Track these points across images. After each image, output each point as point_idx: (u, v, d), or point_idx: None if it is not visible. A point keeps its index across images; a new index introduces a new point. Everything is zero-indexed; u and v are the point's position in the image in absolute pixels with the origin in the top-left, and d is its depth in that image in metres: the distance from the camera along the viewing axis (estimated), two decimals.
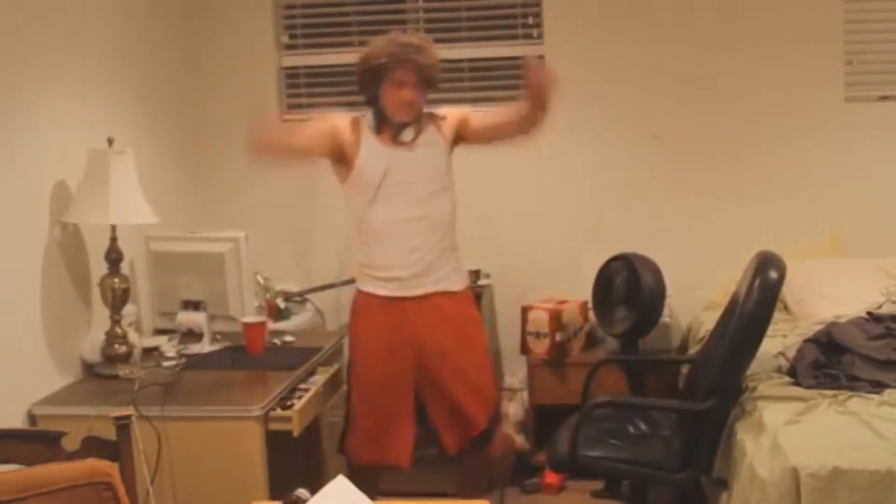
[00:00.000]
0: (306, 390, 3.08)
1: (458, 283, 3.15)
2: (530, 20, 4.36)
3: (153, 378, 2.96)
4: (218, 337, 3.43)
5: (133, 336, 3.21)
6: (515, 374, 4.23)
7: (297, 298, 4.19)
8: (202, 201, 4.36)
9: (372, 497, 2.01)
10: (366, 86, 3.05)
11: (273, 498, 2.46)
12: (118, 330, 3.15)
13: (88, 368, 3.17)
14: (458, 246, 3.16)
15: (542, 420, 3.93)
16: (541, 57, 4.31)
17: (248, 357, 3.28)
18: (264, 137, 3.07)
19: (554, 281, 4.25)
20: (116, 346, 3.13)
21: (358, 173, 3.02)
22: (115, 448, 2.17)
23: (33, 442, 2.14)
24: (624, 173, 4.33)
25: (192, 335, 3.35)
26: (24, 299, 2.92)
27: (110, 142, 3.13)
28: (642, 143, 4.31)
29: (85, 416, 2.68)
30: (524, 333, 4.04)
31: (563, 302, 4.08)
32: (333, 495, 1.97)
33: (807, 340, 3.26)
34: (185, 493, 2.74)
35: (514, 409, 4.08)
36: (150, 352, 3.30)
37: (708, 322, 3.69)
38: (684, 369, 3.67)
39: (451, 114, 3.16)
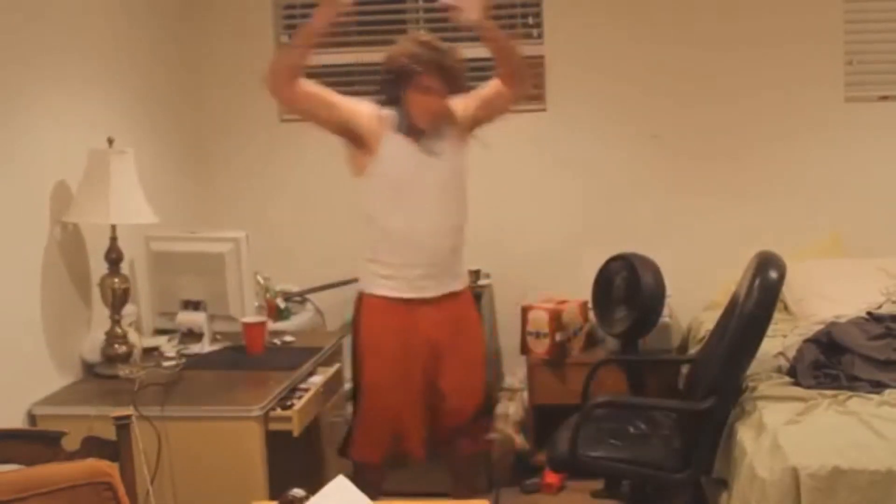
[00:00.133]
0: (306, 390, 3.08)
1: (461, 283, 3.16)
2: (530, 20, 4.36)
3: (153, 378, 2.96)
4: (218, 337, 3.43)
5: (133, 336, 3.21)
6: (515, 374, 4.23)
7: (297, 298, 4.19)
8: (202, 201, 4.36)
9: (373, 497, 2.01)
10: (389, 87, 2.98)
11: (273, 498, 2.46)
12: (118, 330, 3.15)
13: (88, 368, 3.17)
14: (463, 246, 3.17)
15: (542, 420, 3.93)
16: (541, 57, 4.33)
17: (248, 357, 3.27)
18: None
19: (554, 281, 4.25)
20: (116, 346, 3.13)
21: (379, 166, 2.95)
22: (115, 448, 2.17)
23: (33, 442, 2.14)
24: (624, 173, 4.34)
25: (192, 335, 3.35)
26: (24, 299, 2.92)
27: (110, 142, 3.13)
28: (642, 143, 4.32)
29: (85, 416, 2.68)
30: (524, 333, 4.04)
31: (563, 302, 4.09)
32: (333, 495, 1.97)
33: (807, 340, 3.26)
34: (185, 493, 2.74)
35: (514, 409, 4.07)
36: (150, 352, 3.29)
37: (708, 322, 3.69)
38: (684, 369, 3.67)
39: (456, 107, 3.12)
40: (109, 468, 2.05)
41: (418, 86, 2.92)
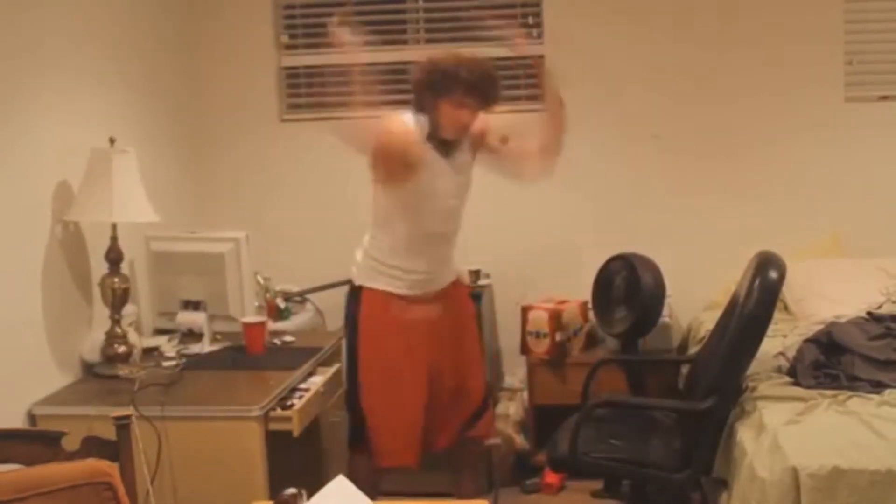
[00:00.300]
0: (306, 390, 3.08)
1: (455, 275, 3.24)
2: (530, 20, 4.35)
3: (153, 378, 2.96)
4: (218, 337, 3.43)
5: (133, 336, 3.21)
6: (515, 374, 4.23)
7: (297, 298, 4.19)
8: (202, 201, 4.36)
9: (372, 497, 2.01)
10: (423, 92, 2.99)
11: (273, 498, 2.46)
12: (118, 330, 3.15)
13: (88, 368, 3.17)
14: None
15: (542, 420, 3.93)
16: (540, 57, 4.32)
17: (248, 357, 3.27)
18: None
19: (554, 281, 4.25)
20: (116, 345, 3.13)
21: (415, 184, 2.98)
22: (115, 448, 2.17)
23: (33, 442, 2.14)
24: (624, 173, 4.34)
25: (192, 335, 3.35)
26: (24, 299, 2.92)
27: (112, 141, 3.13)
28: (643, 143, 4.31)
29: (85, 416, 2.69)
30: (524, 333, 4.04)
31: (563, 302, 4.09)
32: (333, 495, 1.98)
33: (807, 340, 3.26)
34: (185, 493, 2.74)
35: (514, 409, 4.08)
36: (150, 352, 3.29)
37: (708, 322, 3.69)
38: (684, 369, 3.67)
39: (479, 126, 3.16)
40: (109, 468, 2.05)
41: (454, 99, 2.93)
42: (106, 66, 3.48)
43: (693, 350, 3.76)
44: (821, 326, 3.36)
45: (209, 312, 3.36)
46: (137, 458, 2.39)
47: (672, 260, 3.98)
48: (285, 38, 4.46)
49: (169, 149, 4.04)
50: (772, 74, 4.21)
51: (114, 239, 3.15)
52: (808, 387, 2.99)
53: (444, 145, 3.02)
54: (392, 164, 2.92)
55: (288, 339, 3.54)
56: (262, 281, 3.92)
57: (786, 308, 3.93)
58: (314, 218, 4.41)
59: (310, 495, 1.98)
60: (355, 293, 3.14)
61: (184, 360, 3.16)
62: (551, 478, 3.91)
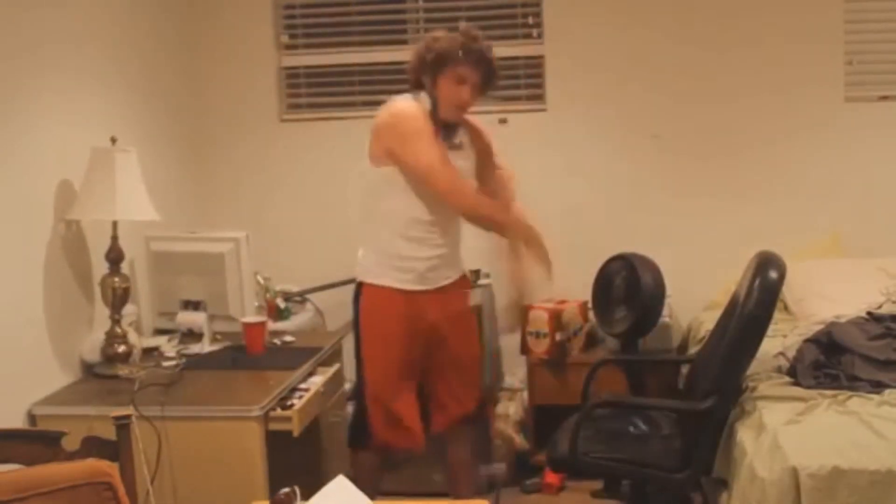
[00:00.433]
0: (306, 390, 3.08)
1: (459, 272, 3.22)
2: (530, 20, 4.36)
3: (153, 378, 2.96)
4: (218, 337, 3.43)
5: (133, 336, 3.21)
6: (515, 374, 4.23)
7: (297, 298, 4.19)
8: (202, 201, 4.36)
9: (372, 497, 2.01)
10: (422, 70, 2.98)
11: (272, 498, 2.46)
12: (118, 330, 3.15)
13: (88, 368, 3.17)
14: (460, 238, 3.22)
15: (542, 420, 3.93)
16: (541, 57, 4.33)
17: (248, 357, 3.27)
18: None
19: (554, 281, 4.24)
20: (116, 345, 3.13)
21: None
22: (115, 448, 2.17)
23: (33, 442, 2.14)
24: (624, 173, 4.34)
25: (192, 335, 3.35)
26: (25, 298, 2.92)
27: (113, 141, 3.13)
28: (642, 142, 4.32)
29: (85, 416, 2.69)
30: (524, 333, 4.04)
31: (563, 302, 4.09)
32: (333, 495, 1.98)
33: (807, 340, 3.26)
34: (185, 493, 2.74)
35: (514, 409, 4.08)
36: (150, 352, 3.29)
37: (708, 322, 3.69)
38: (684, 369, 3.67)
39: (481, 130, 3.18)
40: (109, 468, 2.05)
41: (454, 74, 2.93)
42: (106, 66, 3.48)
43: (693, 350, 3.76)
44: (821, 326, 3.35)
45: (209, 312, 3.36)
46: (137, 458, 2.39)
47: (672, 260, 3.98)
48: (285, 38, 4.46)
49: (169, 149, 4.04)
50: (772, 74, 4.21)
51: (114, 239, 3.15)
52: (808, 387, 2.99)
53: (444, 129, 3.00)
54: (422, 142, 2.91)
55: (288, 339, 3.54)
56: (262, 281, 3.92)
57: (786, 308, 3.93)
58: (314, 218, 4.41)
59: (310, 495, 1.98)
60: (357, 289, 3.12)
61: (184, 360, 3.16)
62: (551, 478, 3.91)
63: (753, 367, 3.03)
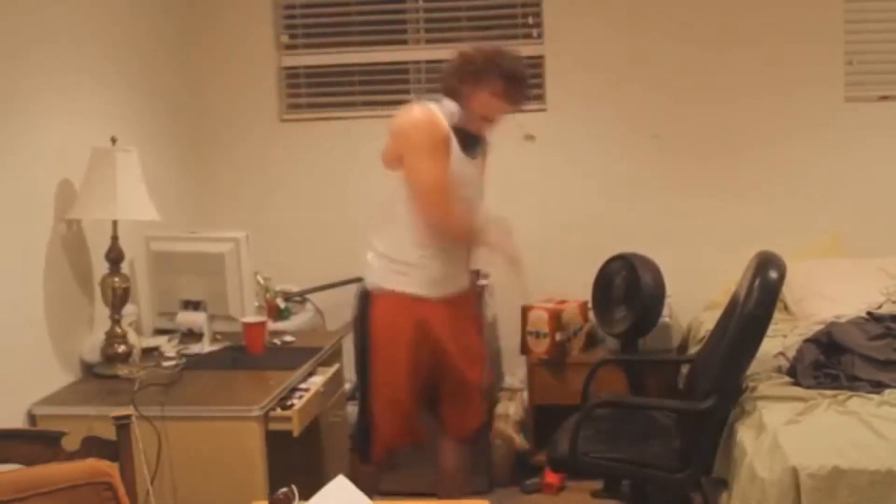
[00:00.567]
0: (306, 390, 3.08)
1: (470, 281, 3.22)
2: (530, 20, 4.36)
3: (153, 378, 2.96)
4: (218, 337, 3.43)
5: (133, 336, 3.21)
6: (515, 374, 4.23)
7: (297, 298, 4.19)
8: (202, 201, 4.36)
9: (371, 497, 2.01)
10: (462, 77, 2.93)
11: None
12: (118, 330, 3.15)
13: (88, 368, 3.17)
14: None
15: (542, 420, 3.93)
16: (541, 57, 4.33)
17: (248, 357, 3.27)
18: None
19: (554, 281, 4.25)
20: (116, 345, 3.13)
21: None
22: (115, 448, 2.17)
23: (33, 442, 2.14)
24: (624, 173, 4.34)
25: (192, 335, 3.35)
26: (25, 299, 2.92)
27: (113, 141, 3.13)
28: (642, 142, 4.32)
29: (85, 416, 2.69)
30: (524, 333, 4.04)
31: (563, 302, 4.09)
32: (333, 495, 1.98)
33: (807, 340, 3.26)
34: (185, 493, 2.74)
35: (514, 409, 4.08)
36: (149, 352, 3.29)
37: (708, 322, 3.69)
38: (684, 369, 3.67)
39: (488, 142, 3.17)
40: (109, 468, 2.05)
41: (494, 87, 2.91)
42: (106, 66, 3.48)
43: (693, 350, 3.76)
44: (821, 326, 3.35)
45: (209, 312, 3.36)
46: (137, 458, 2.39)
47: (672, 260, 3.98)
48: (285, 38, 4.46)
49: (169, 149, 4.04)
50: (772, 74, 4.21)
51: (114, 239, 3.15)
52: (808, 387, 2.99)
53: (467, 138, 2.98)
54: (435, 149, 2.90)
55: (288, 339, 3.54)
56: (262, 281, 3.92)
57: (786, 308, 3.93)
58: (314, 218, 4.41)
59: (310, 495, 1.98)
60: (367, 297, 3.04)
61: (184, 360, 3.16)
62: (551, 478, 3.91)
63: (753, 367, 3.03)
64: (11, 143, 2.87)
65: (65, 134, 3.14)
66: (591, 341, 4.15)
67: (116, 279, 3.14)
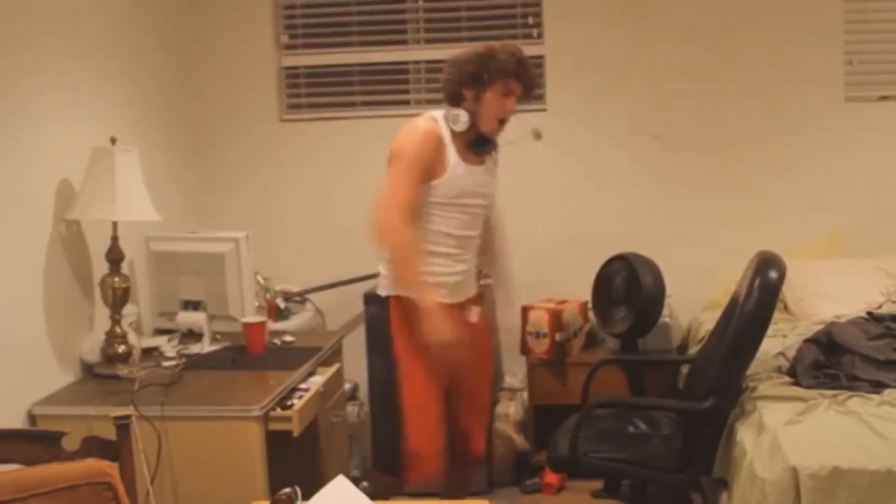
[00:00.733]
0: (306, 390, 3.08)
1: (476, 288, 3.17)
2: (530, 20, 4.36)
3: (153, 378, 2.96)
4: (218, 337, 3.43)
5: (133, 336, 3.21)
6: (515, 374, 4.23)
7: (297, 298, 4.20)
8: (203, 201, 4.37)
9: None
10: (467, 84, 2.89)
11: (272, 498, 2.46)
12: (118, 330, 3.15)
13: (88, 368, 3.17)
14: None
15: (542, 420, 3.93)
16: (541, 57, 4.33)
17: (248, 357, 3.28)
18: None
19: (554, 281, 4.25)
20: (116, 345, 3.13)
21: (439, 186, 2.90)
22: (115, 448, 2.17)
23: (33, 442, 2.14)
24: (624, 173, 4.34)
25: (192, 335, 3.35)
26: (25, 299, 2.92)
27: (113, 141, 3.13)
28: (642, 142, 4.32)
29: (85, 416, 2.69)
30: (524, 333, 4.04)
31: (563, 302, 4.09)
32: (333, 495, 1.98)
33: (807, 340, 3.26)
34: (185, 493, 2.74)
35: (514, 409, 4.08)
36: (150, 352, 3.29)
37: (708, 322, 3.69)
38: (684, 369, 3.67)
39: (498, 147, 3.14)
40: (109, 468, 2.05)
41: (504, 87, 2.89)
42: (106, 66, 3.48)
43: (693, 350, 3.77)
44: (821, 326, 3.35)
45: (209, 312, 3.36)
46: (137, 458, 2.39)
47: (672, 260, 3.99)
48: (285, 38, 4.46)
49: (169, 149, 4.04)
50: (772, 74, 4.21)
51: (114, 239, 3.15)
52: (808, 387, 2.99)
53: (479, 142, 2.95)
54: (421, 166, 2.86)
55: (288, 339, 3.55)
56: (262, 281, 3.92)
57: (786, 308, 3.93)
58: (314, 218, 4.41)
59: (310, 495, 1.98)
60: (383, 304, 2.98)
61: (184, 360, 3.16)
62: (551, 478, 3.91)
63: (753, 367, 3.03)
64: (11, 143, 2.86)
65: (65, 134, 3.14)
66: (591, 341, 4.15)
67: (116, 279, 3.14)
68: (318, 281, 4.22)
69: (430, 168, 2.89)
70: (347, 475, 2.11)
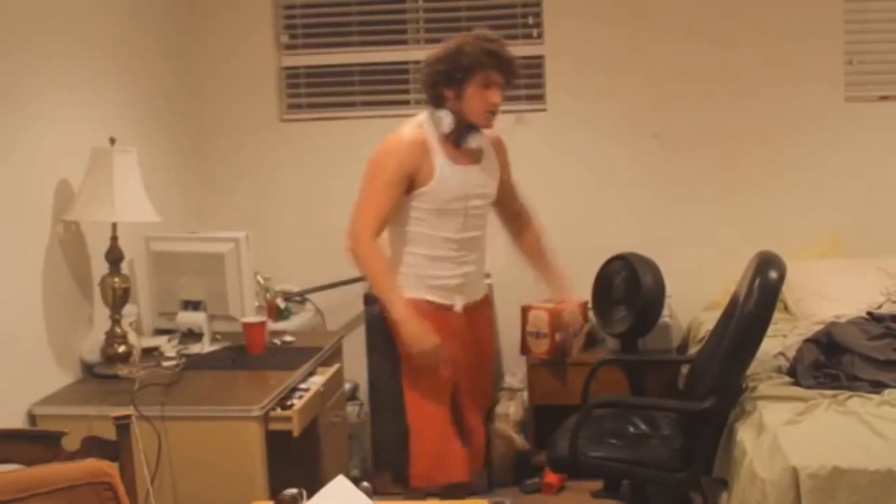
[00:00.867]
0: (306, 390, 3.08)
1: (484, 290, 3.14)
2: (530, 20, 4.36)
3: (153, 378, 2.96)
4: (218, 337, 3.43)
5: (133, 336, 3.21)
6: (515, 374, 4.23)
7: (297, 298, 4.20)
8: (202, 201, 4.36)
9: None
10: (444, 83, 2.83)
11: (273, 498, 2.46)
12: (118, 330, 3.15)
13: (88, 368, 3.17)
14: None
15: (542, 420, 3.93)
16: (541, 57, 4.33)
17: (248, 357, 3.28)
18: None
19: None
20: (116, 345, 3.13)
21: (430, 192, 2.86)
22: (115, 448, 2.17)
23: (33, 442, 2.14)
24: (624, 173, 4.34)
25: (192, 335, 3.35)
26: (24, 299, 2.92)
27: (112, 141, 3.13)
28: (642, 143, 4.32)
29: (85, 416, 2.69)
30: (524, 333, 4.04)
31: (563, 302, 4.07)
32: (333, 495, 1.98)
33: (807, 340, 3.26)
34: (185, 493, 2.74)
35: (514, 409, 4.08)
36: (150, 352, 3.29)
37: (708, 322, 3.69)
38: (684, 369, 3.67)
39: (502, 142, 3.10)
40: (109, 468, 2.05)
41: (483, 79, 2.81)
42: (106, 66, 3.48)
43: (693, 350, 3.77)
44: (821, 326, 3.36)
45: (209, 312, 3.36)
46: (137, 458, 2.39)
47: (672, 260, 3.99)
48: (285, 38, 4.46)
49: (169, 149, 4.04)
50: (772, 74, 4.21)
51: (114, 239, 3.15)
52: (808, 387, 3.00)
53: (460, 137, 2.89)
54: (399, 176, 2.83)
55: (288, 339, 3.54)
56: (262, 281, 3.92)
57: (786, 308, 3.93)
58: (314, 218, 4.41)
59: (310, 495, 1.98)
60: (383, 308, 2.90)
61: (184, 360, 3.16)
62: (551, 478, 3.91)
63: (753, 367, 3.03)
64: (10, 143, 2.86)
65: (64, 134, 3.14)
66: (591, 341, 4.15)
67: (116, 279, 3.14)
68: (318, 281, 4.22)
69: (413, 177, 2.84)
70: (347, 475, 2.11)
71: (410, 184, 2.85)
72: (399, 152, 2.85)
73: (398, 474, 3.08)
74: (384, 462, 3.43)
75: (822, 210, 4.23)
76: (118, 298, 3.14)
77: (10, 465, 2.09)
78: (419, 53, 4.39)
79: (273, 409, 2.85)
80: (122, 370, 3.05)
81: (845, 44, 4.19)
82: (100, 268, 3.19)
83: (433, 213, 2.89)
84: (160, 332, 3.49)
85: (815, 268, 3.98)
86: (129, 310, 3.23)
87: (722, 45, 4.23)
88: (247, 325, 3.30)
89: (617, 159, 4.34)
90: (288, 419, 2.85)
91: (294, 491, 2.00)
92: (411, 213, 2.90)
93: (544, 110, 4.35)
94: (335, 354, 3.61)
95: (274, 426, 2.83)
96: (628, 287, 3.83)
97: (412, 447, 2.91)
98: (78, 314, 3.21)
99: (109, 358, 3.12)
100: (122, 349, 3.13)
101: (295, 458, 3.01)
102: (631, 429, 3.20)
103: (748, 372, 3.03)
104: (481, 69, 2.81)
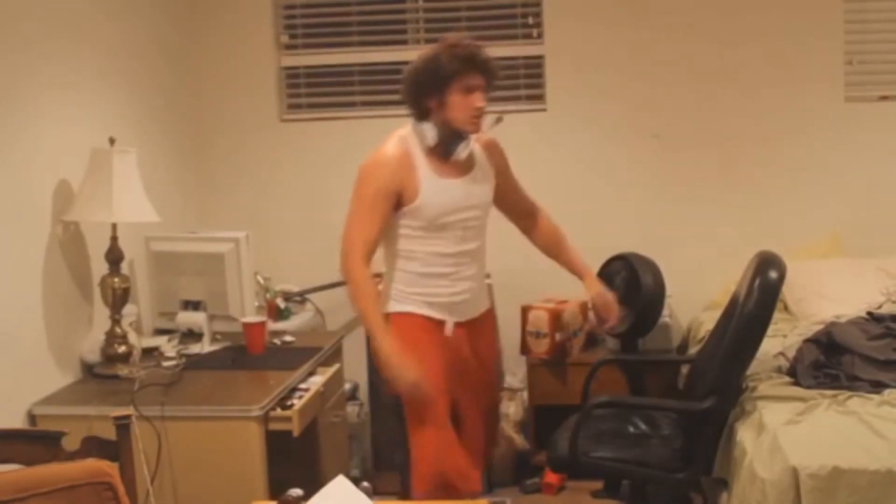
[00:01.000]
0: (306, 390, 3.08)
1: (486, 304, 3.07)
2: (530, 20, 4.36)
3: (153, 378, 2.96)
4: (218, 337, 3.43)
5: (133, 336, 3.21)
6: (515, 374, 4.23)
7: (297, 298, 4.20)
8: (203, 201, 4.36)
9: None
10: (423, 94, 2.78)
11: (273, 498, 2.46)
12: (118, 330, 3.15)
13: (88, 368, 3.17)
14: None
15: (542, 420, 3.93)
16: (541, 57, 4.33)
17: (248, 357, 3.28)
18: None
19: (554, 281, 4.24)
20: (116, 345, 3.13)
21: (416, 210, 2.79)
22: (115, 448, 2.17)
23: (33, 442, 2.14)
24: (624, 173, 4.34)
25: (192, 335, 3.35)
26: (24, 299, 2.92)
27: (112, 141, 3.13)
28: (642, 143, 4.32)
29: (85, 416, 2.69)
30: (524, 333, 4.04)
31: (563, 302, 4.08)
32: (333, 495, 1.98)
33: (807, 340, 3.26)
34: (185, 493, 2.74)
35: (514, 409, 4.08)
36: (150, 352, 3.29)
37: (708, 322, 3.69)
38: (684, 369, 3.67)
39: (496, 144, 3.03)
40: (109, 468, 2.05)
41: (462, 85, 2.75)
42: (106, 66, 3.48)
43: (693, 350, 3.77)
44: (821, 326, 3.36)
45: (209, 312, 3.36)
46: (137, 458, 2.39)
47: (672, 260, 3.99)
48: (285, 38, 4.46)
49: (169, 149, 4.04)
50: (772, 74, 4.21)
51: (114, 239, 3.15)
52: (808, 387, 3.00)
53: (448, 144, 2.82)
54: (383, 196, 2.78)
55: (288, 339, 3.55)
56: (262, 281, 3.92)
57: (786, 308, 3.93)
58: (314, 218, 4.41)
59: (310, 495, 1.98)
60: (394, 320, 2.85)
61: (184, 360, 3.16)
62: (551, 478, 3.91)
63: (753, 367, 3.03)
64: (10, 143, 2.86)
65: (64, 134, 3.14)
66: (591, 341, 4.15)
67: (116, 279, 3.14)
68: (318, 281, 4.21)
69: (400, 193, 2.78)
70: (347, 475, 2.11)
71: (398, 200, 2.79)
72: (383, 169, 2.79)
73: (404, 481, 3.00)
74: (385, 462, 3.42)
75: (822, 210, 4.23)
76: (118, 298, 3.15)
77: (10, 465, 2.09)
78: (419, 54, 4.39)
79: (273, 409, 2.85)
80: (122, 370, 3.05)
81: (845, 44, 4.19)
82: (100, 268, 3.19)
83: (424, 229, 2.82)
84: (160, 332, 3.49)
85: (815, 268, 3.98)
86: (129, 310, 3.23)
87: (722, 45, 4.23)
88: (247, 325, 3.30)
89: (617, 159, 4.34)
90: (288, 419, 2.85)
91: (299, 492, 1.99)
92: (401, 230, 2.83)
93: (544, 110, 4.35)
94: (335, 354, 3.61)
95: (274, 426, 2.83)
96: (628, 287, 3.83)
97: (413, 470, 2.85)
98: (78, 314, 3.21)
99: (109, 358, 3.12)
100: (122, 349, 3.13)
101: (295, 458, 3.01)
102: (631, 429, 3.20)
103: (748, 372, 3.03)
104: (459, 76, 2.75)
